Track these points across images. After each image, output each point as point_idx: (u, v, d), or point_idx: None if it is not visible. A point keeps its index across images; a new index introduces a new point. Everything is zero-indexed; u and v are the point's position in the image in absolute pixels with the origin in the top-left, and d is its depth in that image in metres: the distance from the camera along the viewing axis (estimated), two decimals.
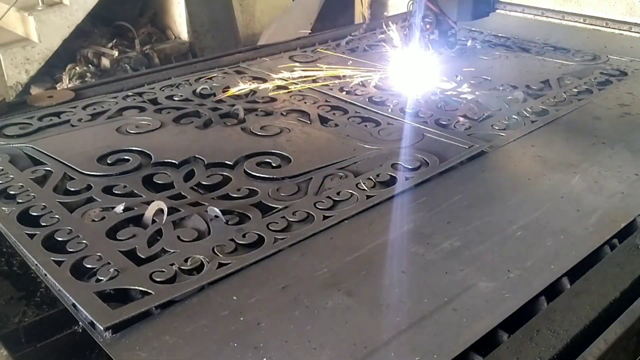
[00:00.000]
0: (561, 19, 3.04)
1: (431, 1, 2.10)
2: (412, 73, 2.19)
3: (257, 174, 1.60)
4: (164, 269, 1.22)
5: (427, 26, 2.14)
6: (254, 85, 2.14)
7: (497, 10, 3.00)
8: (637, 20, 2.83)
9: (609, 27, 2.88)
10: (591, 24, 2.95)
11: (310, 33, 3.54)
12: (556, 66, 2.43)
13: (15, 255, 1.37)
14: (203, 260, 1.25)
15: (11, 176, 1.59)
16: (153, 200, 1.44)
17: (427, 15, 2.12)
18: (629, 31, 2.82)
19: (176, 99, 2.14)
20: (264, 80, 2.25)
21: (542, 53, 2.59)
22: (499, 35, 2.85)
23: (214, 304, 1.15)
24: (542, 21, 3.09)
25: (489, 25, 2.93)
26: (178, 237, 1.33)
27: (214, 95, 2.16)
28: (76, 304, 1.14)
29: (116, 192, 1.52)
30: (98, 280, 1.20)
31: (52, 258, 1.26)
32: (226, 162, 1.66)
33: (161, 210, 1.40)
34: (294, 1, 4.59)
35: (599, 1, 2.93)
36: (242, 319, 1.11)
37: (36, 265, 1.26)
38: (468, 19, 2.21)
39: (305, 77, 2.24)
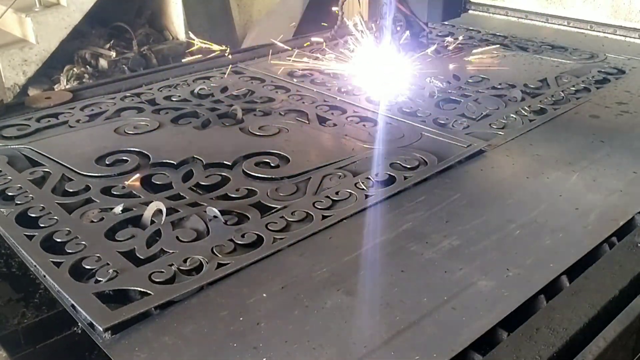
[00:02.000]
0: (545, 22, 3.03)
1: (401, 3, 2.10)
2: (394, 72, 2.20)
3: (256, 174, 1.60)
4: (163, 270, 1.22)
5: (398, 28, 2.14)
6: None
7: (471, 12, 2.98)
8: (622, 22, 2.82)
9: (593, 30, 2.86)
10: (575, 27, 2.94)
11: (294, 35, 3.53)
12: (554, 65, 2.44)
13: (14, 257, 1.37)
14: (202, 260, 1.25)
15: (9, 177, 1.59)
16: (152, 201, 1.44)
17: (397, 17, 2.12)
18: (614, 34, 2.80)
19: (174, 99, 2.14)
20: None
21: (539, 52, 2.59)
22: (497, 34, 2.85)
23: (213, 305, 1.15)
24: (526, 24, 3.08)
25: (488, 25, 2.94)
26: (177, 237, 1.33)
27: (212, 95, 2.17)
28: (75, 305, 1.14)
29: (115, 192, 1.52)
30: (97, 281, 1.20)
31: (51, 259, 1.26)
32: (225, 162, 1.66)
33: (160, 211, 1.39)
34: (278, 3, 4.57)
35: (583, 3, 2.92)
36: (241, 319, 1.11)
37: (35, 266, 1.26)
38: (438, 20, 2.22)
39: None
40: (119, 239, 1.33)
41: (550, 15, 3.02)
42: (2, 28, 4.42)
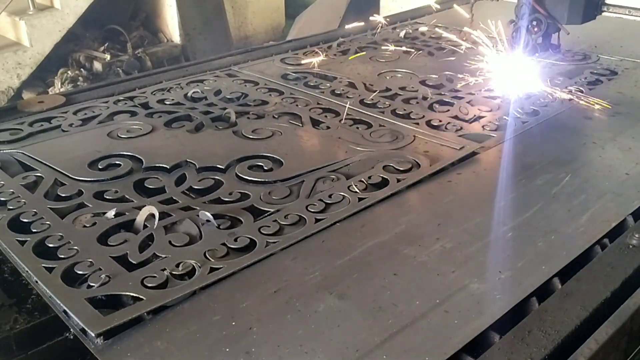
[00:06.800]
0: None
1: (539, 4, 2.09)
2: (520, 74, 2.19)
3: (249, 178, 1.60)
4: (155, 274, 1.21)
5: (535, 29, 2.13)
6: None
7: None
8: None
9: (632, 15, 2.84)
10: (614, 13, 2.92)
11: (339, 27, 3.51)
12: (547, 66, 2.44)
13: (6, 262, 1.37)
14: (195, 265, 1.25)
15: (1, 182, 1.58)
16: (144, 205, 1.43)
17: (536, 17, 2.11)
18: None
19: (167, 102, 2.14)
20: None
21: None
22: (490, 36, 2.85)
23: (206, 309, 1.14)
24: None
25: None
26: (169, 242, 1.33)
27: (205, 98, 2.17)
28: (67, 310, 1.14)
29: (107, 197, 1.52)
30: (89, 287, 1.20)
31: (43, 265, 1.26)
32: (218, 166, 1.66)
33: (152, 215, 1.39)
34: None
35: None
36: (233, 323, 1.11)
37: (27, 272, 1.25)
38: (578, 22, 2.19)
39: None
40: (111, 243, 1.33)
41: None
42: None
